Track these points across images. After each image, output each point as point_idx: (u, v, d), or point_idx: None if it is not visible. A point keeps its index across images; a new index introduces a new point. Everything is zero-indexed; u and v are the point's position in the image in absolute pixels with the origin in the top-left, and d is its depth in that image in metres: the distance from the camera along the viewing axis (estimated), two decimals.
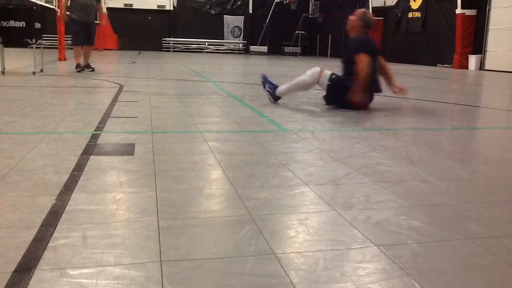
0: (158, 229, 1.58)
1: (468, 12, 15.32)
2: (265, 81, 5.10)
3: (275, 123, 3.78)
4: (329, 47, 26.61)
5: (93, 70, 8.58)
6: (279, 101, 5.01)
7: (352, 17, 4.79)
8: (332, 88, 4.66)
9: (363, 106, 4.68)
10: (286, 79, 8.67)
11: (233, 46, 26.42)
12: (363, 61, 4.51)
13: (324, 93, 4.82)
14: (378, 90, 4.80)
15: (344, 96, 4.58)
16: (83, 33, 8.41)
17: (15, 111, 3.95)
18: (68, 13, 8.37)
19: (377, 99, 5.54)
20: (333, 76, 4.69)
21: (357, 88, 4.56)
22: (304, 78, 4.77)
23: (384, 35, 21.14)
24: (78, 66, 8.50)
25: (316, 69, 4.74)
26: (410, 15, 18.96)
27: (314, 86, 4.82)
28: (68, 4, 8.35)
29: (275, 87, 4.98)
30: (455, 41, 15.63)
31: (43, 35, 8.47)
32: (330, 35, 26.33)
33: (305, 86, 4.88)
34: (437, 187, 2.18)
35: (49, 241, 1.46)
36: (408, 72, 12.37)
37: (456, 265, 1.40)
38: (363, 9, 5.02)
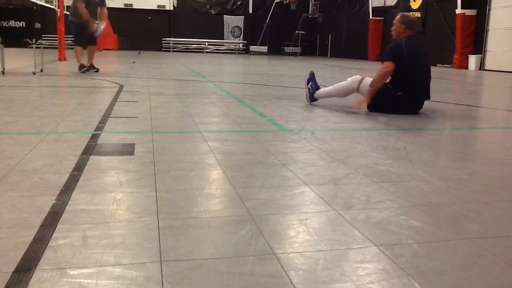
0: (158, 229, 1.58)
1: (468, 12, 15.32)
2: (311, 78, 5.12)
3: (275, 123, 3.78)
4: (329, 47, 26.62)
5: (97, 70, 8.47)
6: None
7: (393, 27, 4.71)
8: (376, 97, 4.55)
9: (411, 112, 4.58)
10: (286, 79, 8.70)
11: (233, 46, 26.43)
12: (384, 67, 4.52)
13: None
14: (427, 97, 4.70)
15: (387, 103, 4.54)
16: (85, 34, 8.28)
17: (15, 111, 3.95)
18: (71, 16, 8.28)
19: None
20: None
21: (367, 93, 4.56)
22: (344, 85, 4.82)
23: (384, 35, 21.14)
24: (82, 66, 8.33)
25: (357, 77, 4.76)
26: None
27: (353, 93, 4.80)
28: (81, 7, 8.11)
29: (317, 88, 5.06)
30: (455, 41, 15.63)
31: (43, 35, 8.47)
32: (330, 35, 26.34)
33: (344, 93, 4.90)
34: (437, 187, 2.18)
35: (49, 241, 1.46)
36: None
37: (456, 265, 1.40)
38: (400, 13, 4.93)
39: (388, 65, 4.49)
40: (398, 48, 4.56)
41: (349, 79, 4.82)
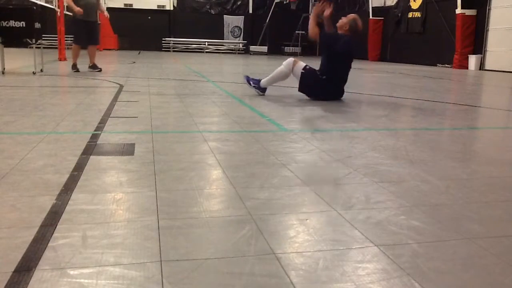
0: (158, 229, 1.58)
1: (468, 12, 15.31)
2: (248, 79, 5.77)
3: (275, 123, 3.78)
4: None
5: (100, 70, 8.40)
6: (268, 92, 5.64)
7: (343, 19, 5.34)
8: (304, 77, 5.30)
9: (331, 96, 5.36)
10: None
11: (233, 46, 26.42)
12: (316, 30, 5.34)
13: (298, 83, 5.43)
14: (341, 91, 5.49)
15: (316, 86, 5.31)
16: (84, 33, 8.24)
17: (15, 111, 3.95)
18: (70, 13, 8.26)
19: (378, 98, 5.55)
20: (307, 67, 5.33)
21: (312, 19, 5.43)
22: (280, 69, 5.45)
23: (384, 35, 21.14)
24: (74, 66, 8.30)
25: (291, 59, 5.43)
26: (410, 15, 18.96)
27: (290, 75, 5.44)
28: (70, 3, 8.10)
29: (258, 81, 5.65)
30: (455, 41, 15.62)
31: (43, 35, 8.45)
32: None
33: (283, 75, 5.49)
34: (437, 187, 2.18)
35: (49, 241, 1.46)
36: (408, 72, 12.37)
37: (456, 265, 1.40)
38: (355, 15, 5.46)
39: (317, 33, 5.33)
40: (340, 36, 5.27)
41: (284, 62, 5.45)
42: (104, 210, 1.74)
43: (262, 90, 5.62)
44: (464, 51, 15.45)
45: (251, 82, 5.71)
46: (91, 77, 7.59)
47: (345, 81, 5.46)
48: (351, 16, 5.37)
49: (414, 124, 4.11)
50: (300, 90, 5.38)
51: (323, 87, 5.27)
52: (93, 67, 8.42)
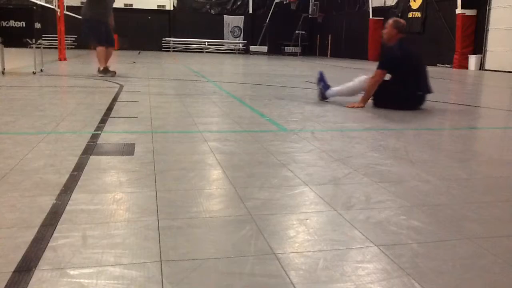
0: (158, 229, 1.58)
1: (468, 12, 15.32)
2: (321, 78, 5.46)
3: (275, 123, 3.78)
4: (329, 47, 26.62)
5: (104, 75, 7.72)
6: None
7: (385, 30, 5.07)
8: (378, 91, 4.92)
9: (412, 107, 4.90)
10: (286, 79, 8.70)
11: (233, 46, 26.43)
12: (374, 77, 4.92)
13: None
14: (429, 90, 5.03)
15: (390, 99, 4.89)
16: (104, 33, 7.72)
17: (15, 111, 3.95)
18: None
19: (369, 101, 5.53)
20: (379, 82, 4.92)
21: (361, 99, 4.96)
22: (351, 85, 5.17)
23: None
24: (106, 70, 7.71)
25: (363, 77, 5.12)
26: (410, 15, 18.96)
27: (361, 91, 5.07)
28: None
29: (327, 87, 5.39)
30: (455, 41, 15.63)
31: (43, 35, 8.45)
32: (330, 35, 26.34)
33: (352, 92, 5.21)
34: (437, 187, 2.18)
35: (49, 241, 1.46)
36: None
37: (456, 265, 1.40)
38: (392, 18, 5.27)
39: (378, 74, 4.92)
40: (390, 53, 5.02)
41: (355, 79, 5.14)
42: (104, 210, 1.74)
43: (324, 97, 5.37)
44: (464, 51, 15.46)
45: (321, 84, 5.42)
46: (91, 77, 7.59)
47: (422, 82, 4.97)
48: (389, 21, 5.10)
49: (414, 124, 4.11)
50: (376, 104, 4.99)
51: (399, 97, 4.84)
52: (106, 71, 7.78)
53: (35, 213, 1.68)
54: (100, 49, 7.71)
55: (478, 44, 15.28)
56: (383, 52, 5.10)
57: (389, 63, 4.93)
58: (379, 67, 4.92)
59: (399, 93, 4.85)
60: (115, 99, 4.93)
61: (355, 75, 5.32)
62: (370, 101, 5.00)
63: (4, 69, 7.64)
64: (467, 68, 15.35)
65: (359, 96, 5.03)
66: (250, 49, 25.52)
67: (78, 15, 10.13)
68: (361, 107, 4.87)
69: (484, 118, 4.90)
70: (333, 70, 12.12)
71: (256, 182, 2.16)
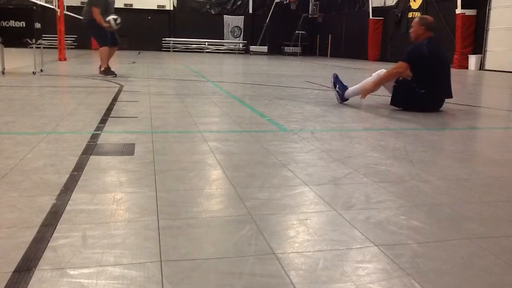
0: (158, 229, 1.58)
1: (468, 12, 15.32)
2: (336, 81, 5.25)
3: (275, 123, 3.78)
4: (329, 47, 26.62)
5: (104, 75, 7.65)
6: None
7: (412, 29, 4.88)
8: (397, 90, 4.78)
9: (430, 110, 4.74)
10: (286, 79, 8.70)
11: (233, 46, 26.43)
12: (396, 67, 4.74)
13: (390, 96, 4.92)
14: (449, 95, 4.89)
15: (411, 100, 4.74)
16: (109, 32, 7.66)
17: (15, 111, 3.95)
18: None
19: (378, 99, 5.55)
20: (400, 78, 4.78)
21: (374, 83, 4.79)
22: (370, 80, 4.94)
23: (384, 35, 21.14)
24: (108, 70, 7.67)
25: (382, 71, 4.90)
26: (410, 15, 18.97)
27: (380, 87, 4.95)
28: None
29: (345, 88, 5.14)
30: (455, 41, 15.63)
31: (43, 35, 8.45)
32: (330, 35, 26.34)
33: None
34: (437, 187, 2.18)
35: (49, 241, 1.46)
36: None
37: (456, 265, 1.40)
38: (419, 16, 5.15)
39: (400, 65, 4.70)
40: (418, 49, 4.72)
41: (374, 74, 4.94)
42: (104, 210, 1.74)
43: (343, 99, 5.13)
44: (464, 51, 15.46)
45: (337, 86, 5.20)
46: (91, 77, 7.59)
47: (446, 84, 4.83)
48: (415, 19, 4.91)
49: (414, 124, 4.11)
50: (392, 103, 4.87)
51: (418, 99, 4.69)
52: (108, 70, 7.72)
53: (35, 213, 1.68)
54: (104, 48, 7.74)
55: (478, 44, 15.28)
56: (411, 47, 4.85)
57: (414, 58, 4.70)
58: (403, 60, 4.71)
59: (420, 94, 4.65)
60: (115, 99, 4.93)
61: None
62: (377, 99, 4.92)
63: (4, 69, 7.64)
64: (467, 68, 15.35)
65: (379, 90, 4.91)
66: (250, 49, 25.52)
67: (78, 15, 10.12)
68: (372, 91, 4.74)
69: (484, 118, 4.90)
70: (334, 70, 12.12)
71: (256, 182, 2.16)
